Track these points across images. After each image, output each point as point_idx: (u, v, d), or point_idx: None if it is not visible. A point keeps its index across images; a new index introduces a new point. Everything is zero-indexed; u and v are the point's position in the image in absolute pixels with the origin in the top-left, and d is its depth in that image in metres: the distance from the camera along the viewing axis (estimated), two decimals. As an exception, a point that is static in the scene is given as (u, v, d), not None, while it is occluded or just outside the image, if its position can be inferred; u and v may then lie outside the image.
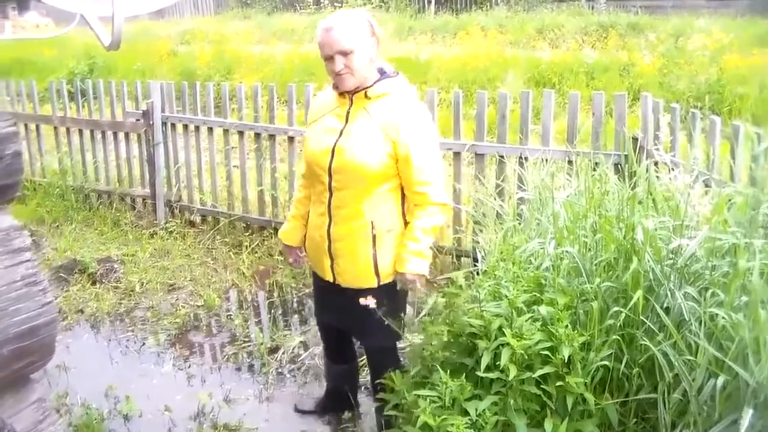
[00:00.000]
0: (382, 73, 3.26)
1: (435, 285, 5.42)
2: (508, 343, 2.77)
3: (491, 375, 2.81)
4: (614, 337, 2.85)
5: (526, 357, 2.79)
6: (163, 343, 5.20)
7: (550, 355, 2.78)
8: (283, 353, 4.95)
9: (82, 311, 5.74)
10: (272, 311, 5.68)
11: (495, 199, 5.05)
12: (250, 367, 4.87)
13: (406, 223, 3.29)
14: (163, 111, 7.14)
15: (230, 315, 5.59)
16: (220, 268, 6.38)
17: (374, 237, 3.25)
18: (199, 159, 7.20)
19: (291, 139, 6.46)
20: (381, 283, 3.32)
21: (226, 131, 6.95)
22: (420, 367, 3.18)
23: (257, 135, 6.73)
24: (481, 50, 14.21)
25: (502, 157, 5.43)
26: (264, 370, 4.79)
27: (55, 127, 8.27)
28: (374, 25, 3.15)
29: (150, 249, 6.75)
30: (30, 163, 8.63)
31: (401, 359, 3.74)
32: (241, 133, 6.81)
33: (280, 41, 18.48)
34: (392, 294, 3.35)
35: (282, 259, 6.27)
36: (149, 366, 4.93)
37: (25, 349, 1.91)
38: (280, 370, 4.78)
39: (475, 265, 4.82)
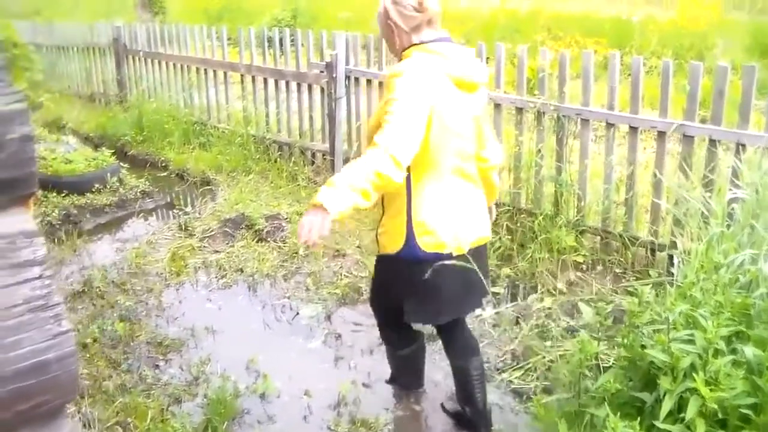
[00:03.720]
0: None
1: (624, 280, 4.74)
2: (697, 391, 2.13)
3: (672, 429, 2.18)
4: None
5: (721, 411, 2.21)
6: (317, 315, 4.83)
7: (751, 414, 2.17)
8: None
9: (242, 270, 5.49)
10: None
11: (701, 194, 4.23)
12: (405, 354, 4.38)
13: (409, 195, 3.07)
14: (347, 64, 6.73)
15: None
16: (393, 237, 5.92)
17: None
18: (382, 117, 6.73)
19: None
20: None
21: (412, 89, 6.42)
22: (572, 393, 2.58)
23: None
24: (699, 13, 12.84)
25: (714, 142, 4.59)
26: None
27: (242, 75, 8.10)
28: (390, 11, 3.06)
29: (322, 208, 6.37)
30: (217, 109, 8.56)
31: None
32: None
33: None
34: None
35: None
36: (298, 340, 4.57)
37: (32, 388, 1.45)
38: (434, 360, 4.26)
39: (669, 273, 4.08)
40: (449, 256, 3.07)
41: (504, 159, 5.67)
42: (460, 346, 3.58)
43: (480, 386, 3.56)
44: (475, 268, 3.07)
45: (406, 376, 4.01)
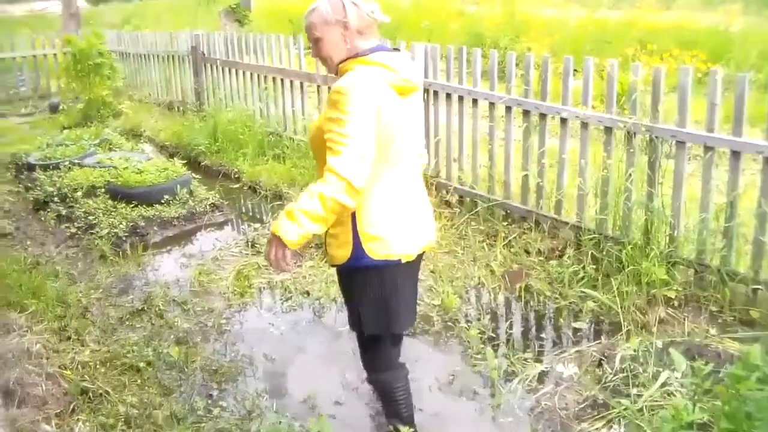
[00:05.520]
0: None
1: (720, 319, 4.29)
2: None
3: None
4: None
5: None
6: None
7: None
8: (519, 383, 4.05)
9: (308, 293, 5.23)
10: (515, 325, 4.78)
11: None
12: (475, 393, 4.02)
13: None
14: (426, 76, 6.41)
15: (467, 322, 4.76)
16: (468, 261, 5.57)
17: None
18: (461, 133, 6.39)
19: (563, 120, 5.45)
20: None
21: (492, 105, 6.06)
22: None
23: (526, 112, 5.78)
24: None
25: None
26: (492, 402, 3.92)
27: (318, 86, 7.87)
28: (345, 14, 2.99)
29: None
30: (293, 120, 8.37)
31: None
32: (508, 109, 5.91)
33: (574, 4, 17.11)
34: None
35: (540, 260, 5.36)
36: (362, 374, 4.23)
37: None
38: (509, 405, 3.88)
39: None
40: (398, 263, 3.07)
41: (591, 182, 5.35)
42: (396, 357, 3.56)
43: (409, 398, 3.48)
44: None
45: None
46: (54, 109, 12.23)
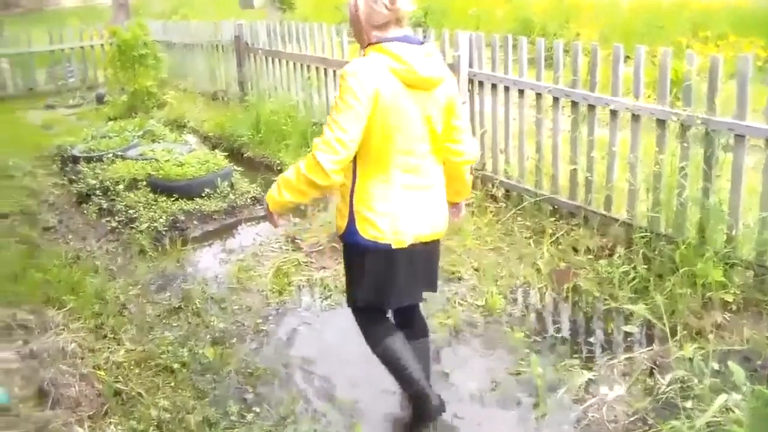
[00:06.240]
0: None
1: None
2: None
3: None
4: None
5: None
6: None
7: None
8: (565, 392, 3.85)
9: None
10: (561, 329, 4.58)
11: None
12: (518, 403, 3.84)
13: (353, 182, 3.23)
14: (470, 66, 6.21)
15: (511, 325, 4.58)
16: (513, 259, 5.37)
17: None
18: (507, 125, 6.18)
19: (613, 112, 5.21)
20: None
21: (539, 95, 5.84)
22: None
23: (574, 103, 5.55)
24: None
25: None
26: (536, 413, 3.73)
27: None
28: (358, 8, 3.16)
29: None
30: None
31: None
32: (556, 100, 5.68)
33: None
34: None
35: (588, 259, 5.15)
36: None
37: None
38: (554, 416, 3.69)
39: None
40: (388, 246, 3.20)
41: (642, 177, 5.11)
42: (419, 326, 3.73)
43: (428, 366, 3.72)
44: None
45: (419, 395, 3.50)
46: (100, 100, 12.27)
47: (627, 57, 5.34)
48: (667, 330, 4.04)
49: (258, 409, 3.86)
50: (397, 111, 3.09)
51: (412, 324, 3.69)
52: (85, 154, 8.12)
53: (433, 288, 3.63)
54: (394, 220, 3.19)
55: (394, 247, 3.20)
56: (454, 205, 3.75)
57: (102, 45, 13.69)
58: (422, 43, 3.21)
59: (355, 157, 3.14)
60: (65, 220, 6.86)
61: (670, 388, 3.73)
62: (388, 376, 3.66)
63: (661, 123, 4.88)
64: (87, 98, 13.01)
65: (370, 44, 3.17)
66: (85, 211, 6.98)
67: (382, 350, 3.49)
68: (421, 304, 4.40)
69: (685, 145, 4.73)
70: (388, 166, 3.18)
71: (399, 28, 3.17)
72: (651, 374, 3.93)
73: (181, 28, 12.54)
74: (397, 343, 3.47)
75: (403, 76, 3.08)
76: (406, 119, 3.13)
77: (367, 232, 3.19)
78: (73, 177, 7.78)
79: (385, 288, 3.35)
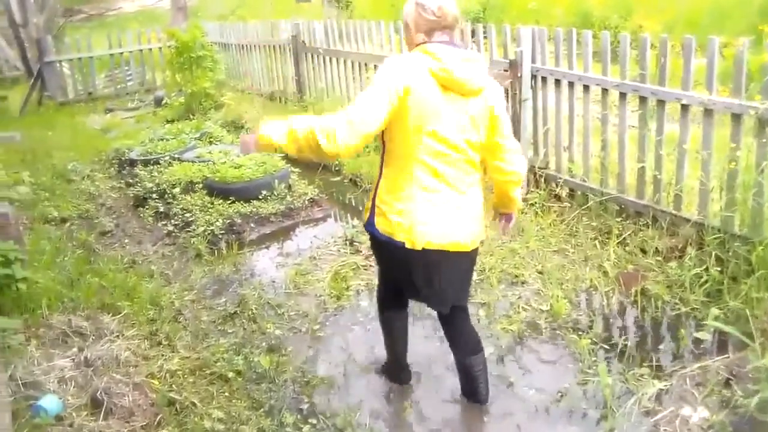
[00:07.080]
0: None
1: None
2: None
3: None
4: None
5: None
6: (487, 357, 4.09)
7: None
8: (635, 404, 3.64)
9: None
10: (630, 335, 4.36)
11: None
12: (584, 415, 3.64)
13: (379, 175, 3.34)
14: (533, 62, 6.01)
15: (577, 331, 4.38)
16: (579, 261, 5.17)
17: None
18: (572, 122, 5.97)
19: (684, 107, 4.96)
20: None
21: (604, 90, 5.61)
22: None
23: (642, 99, 5.31)
24: None
25: None
26: (605, 426, 3.53)
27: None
28: (409, 14, 3.24)
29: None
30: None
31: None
32: (622, 95, 5.45)
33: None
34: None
35: (657, 260, 4.91)
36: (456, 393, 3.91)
37: None
38: (623, 430, 3.49)
39: None
40: (401, 245, 3.23)
41: (714, 175, 4.86)
42: (462, 342, 3.65)
43: (484, 381, 3.72)
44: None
45: (394, 363, 4.04)
46: (159, 102, 12.33)
47: (697, 49, 5.08)
48: (744, 337, 3.82)
49: (314, 421, 3.75)
50: (426, 111, 3.11)
51: (458, 339, 3.67)
52: (142, 158, 8.13)
53: (459, 303, 3.59)
54: (409, 222, 3.21)
55: (407, 246, 3.23)
56: (503, 215, 3.79)
57: (160, 48, 13.76)
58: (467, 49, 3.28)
59: (383, 152, 3.27)
60: (122, 224, 6.86)
61: (748, 399, 3.50)
62: (451, 386, 3.51)
63: (737, 118, 4.62)
64: (145, 101, 13.12)
65: (418, 44, 3.22)
66: (141, 215, 6.97)
67: (384, 318, 3.92)
68: (481, 311, 4.26)
69: (763, 141, 4.47)
70: (412, 166, 3.20)
71: (445, 35, 3.22)
72: (727, 385, 3.70)
73: (237, 29, 12.53)
74: (396, 321, 3.89)
75: (439, 77, 3.11)
76: (435, 121, 3.14)
77: (381, 225, 3.28)
78: (131, 180, 7.81)
79: (400, 281, 3.56)
